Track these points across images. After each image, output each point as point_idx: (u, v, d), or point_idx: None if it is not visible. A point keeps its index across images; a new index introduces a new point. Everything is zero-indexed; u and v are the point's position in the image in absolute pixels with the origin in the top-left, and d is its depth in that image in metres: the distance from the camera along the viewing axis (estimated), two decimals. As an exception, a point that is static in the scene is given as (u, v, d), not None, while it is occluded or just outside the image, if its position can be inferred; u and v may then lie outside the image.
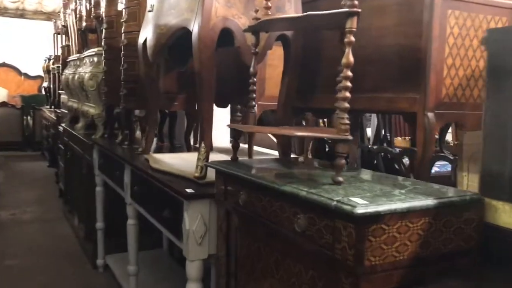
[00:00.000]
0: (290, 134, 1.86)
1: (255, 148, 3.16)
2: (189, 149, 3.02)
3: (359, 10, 1.36)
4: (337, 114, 1.39)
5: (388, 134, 3.01)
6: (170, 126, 3.22)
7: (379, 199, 1.16)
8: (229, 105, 2.87)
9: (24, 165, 8.40)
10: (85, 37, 4.64)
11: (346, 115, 1.38)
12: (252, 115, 1.83)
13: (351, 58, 1.38)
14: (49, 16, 12.92)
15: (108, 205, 3.51)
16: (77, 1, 4.71)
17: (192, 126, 3.01)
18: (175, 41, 2.17)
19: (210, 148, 1.99)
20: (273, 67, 2.74)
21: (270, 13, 1.79)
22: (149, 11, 2.43)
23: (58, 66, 6.84)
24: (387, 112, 2.49)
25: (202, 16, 1.86)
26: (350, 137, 1.36)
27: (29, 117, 10.04)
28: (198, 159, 1.97)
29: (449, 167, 2.31)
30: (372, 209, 1.09)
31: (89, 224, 3.87)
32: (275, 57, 2.49)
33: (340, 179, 1.36)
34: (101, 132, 3.63)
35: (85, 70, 3.75)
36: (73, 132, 4.28)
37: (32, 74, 12.79)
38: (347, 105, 1.39)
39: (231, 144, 1.87)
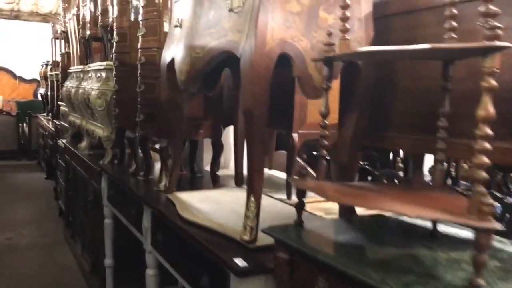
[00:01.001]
0: (410, 214, 1.32)
1: (273, 172, 2.77)
2: (214, 181, 2.62)
3: (508, 45, 0.97)
4: (474, 189, 0.99)
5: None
6: (190, 153, 2.82)
7: None
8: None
9: (20, 177, 7.96)
10: (89, 46, 4.23)
11: (485, 191, 0.99)
12: (323, 167, 1.43)
13: (492, 110, 0.98)
14: (45, 17, 12.53)
15: (118, 235, 3.11)
16: (80, 6, 4.29)
17: (219, 156, 2.61)
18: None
19: (259, 202, 1.59)
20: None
21: (347, 36, 1.39)
22: (176, 26, 2.03)
23: (57, 74, 6.41)
24: None
25: (255, 38, 1.46)
26: (498, 226, 0.96)
27: (24, 125, 9.61)
28: (247, 217, 1.57)
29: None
30: None
31: (95, 256, 3.47)
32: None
33: (481, 282, 0.96)
34: (110, 157, 3.22)
35: (92, 86, 3.34)
36: (76, 152, 3.87)
37: (27, 77, 12.44)
38: (485, 175, 0.99)
39: (294, 204, 1.46)
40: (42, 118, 8.31)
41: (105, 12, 3.41)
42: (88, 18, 4.08)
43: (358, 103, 1.65)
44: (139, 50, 2.49)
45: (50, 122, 7.36)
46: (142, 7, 2.44)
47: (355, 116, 1.66)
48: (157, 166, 2.67)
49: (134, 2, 2.70)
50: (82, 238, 4.07)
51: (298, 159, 2.72)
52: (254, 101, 1.50)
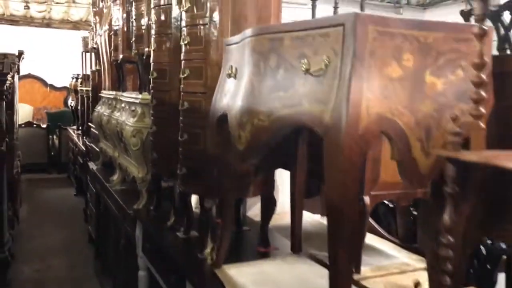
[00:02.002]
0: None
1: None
2: (265, 242, 2.26)
3: None
4: None
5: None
6: (236, 206, 2.47)
7: None
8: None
9: (49, 193, 7.78)
10: (122, 70, 3.93)
11: None
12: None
13: None
14: (76, 25, 12.47)
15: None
16: (112, 26, 4.00)
17: (271, 214, 2.25)
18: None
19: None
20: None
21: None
22: (230, 76, 1.68)
23: (88, 90, 6.17)
24: None
25: (346, 115, 1.11)
26: None
27: (55, 137, 9.45)
28: None
29: None
30: None
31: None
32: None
33: None
34: (144, 200, 2.90)
35: (126, 121, 3.03)
36: (108, 187, 3.57)
37: (58, 85, 12.36)
38: None
39: None
40: (72, 132, 8.12)
41: (139, 38, 3.09)
42: (120, 41, 3.78)
43: (472, 193, 1.27)
44: (181, 93, 2.15)
45: (80, 138, 7.16)
46: (185, 44, 2.10)
47: (468, 206, 1.28)
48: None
49: (174, 35, 2.37)
50: (113, 278, 3.77)
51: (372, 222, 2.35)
52: (344, 194, 1.15)
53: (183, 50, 2.15)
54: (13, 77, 4.88)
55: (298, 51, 1.29)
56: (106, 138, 3.91)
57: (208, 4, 2.01)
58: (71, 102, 8.95)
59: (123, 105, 3.34)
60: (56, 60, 11.70)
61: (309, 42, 1.26)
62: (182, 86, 2.15)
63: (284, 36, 1.34)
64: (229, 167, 1.85)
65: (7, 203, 4.51)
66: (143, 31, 3.03)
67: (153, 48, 2.53)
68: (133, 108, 3.03)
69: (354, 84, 1.12)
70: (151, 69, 2.58)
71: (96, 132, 4.57)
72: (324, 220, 2.60)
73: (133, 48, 3.18)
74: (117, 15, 3.88)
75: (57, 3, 10.77)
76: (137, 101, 2.94)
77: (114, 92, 3.72)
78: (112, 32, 3.98)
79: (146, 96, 2.86)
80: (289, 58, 1.33)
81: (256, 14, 2.03)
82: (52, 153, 9.47)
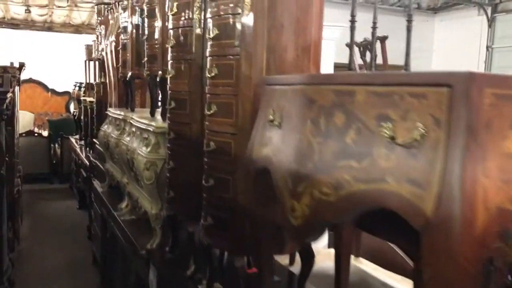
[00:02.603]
0: None
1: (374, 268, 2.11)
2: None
3: None
4: None
5: None
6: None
7: None
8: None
9: (51, 205, 7.49)
10: (131, 88, 3.65)
11: None
12: None
13: None
14: (77, 28, 12.26)
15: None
16: (120, 39, 3.72)
17: (310, 269, 1.96)
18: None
19: None
20: None
21: None
22: (272, 122, 1.40)
23: (91, 102, 5.88)
24: None
25: (460, 207, 0.82)
26: None
27: (56, 145, 9.16)
28: None
29: None
30: None
31: None
32: None
33: None
34: (158, 239, 2.61)
35: (138, 150, 2.74)
36: (116, 216, 3.29)
37: (59, 90, 12.13)
38: None
39: None
40: (75, 142, 7.83)
41: (152, 58, 2.81)
42: (129, 56, 3.50)
43: None
44: (206, 131, 1.87)
45: (82, 150, 6.87)
46: (211, 77, 1.82)
47: None
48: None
49: (195, 62, 2.09)
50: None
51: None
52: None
53: (208, 82, 1.86)
54: (13, 90, 4.59)
55: (377, 111, 1.01)
56: (114, 161, 3.63)
57: (239, 31, 1.73)
58: (73, 111, 8.66)
59: (133, 129, 3.05)
60: (57, 64, 11.50)
61: (394, 101, 0.97)
62: (207, 123, 1.87)
63: (356, 89, 1.05)
64: (267, 224, 1.57)
65: (7, 223, 4.24)
66: (157, 50, 2.74)
67: (170, 74, 2.24)
68: (145, 135, 2.75)
69: (468, 169, 0.83)
70: (168, 97, 2.29)
71: (101, 149, 4.28)
72: (357, 262, 2.31)
73: (145, 68, 2.89)
74: (125, 28, 3.59)
75: (58, 6, 10.50)
76: (151, 129, 2.65)
77: (123, 113, 3.42)
78: (120, 47, 3.69)
79: (161, 124, 2.58)
80: (363, 118, 1.04)
81: (295, 43, 1.75)
82: (54, 162, 9.18)
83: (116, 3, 4.16)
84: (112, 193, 3.89)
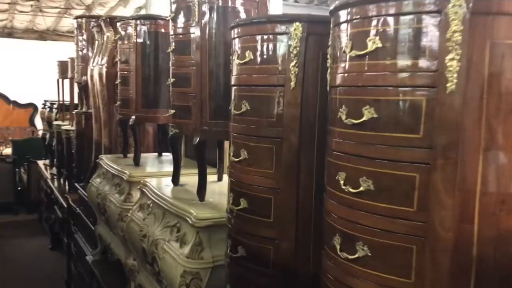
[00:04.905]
0: None
1: None
2: None
3: None
4: None
5: None
6: None
7: None
8: None
9: (18, 245, 6.43)
10: (134, 134, 2.78)
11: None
12: None
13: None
14: (42, 34, 11.24)
15: None
16: (120, 70, 2.85)
17: None
18: None
19: None
20: None
21: None
22: None
23: (69, 131, 4.92)
24: None
25: None
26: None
27: (22, 170, 8.09)
28: None
29: None
30: None
31: None
32: None
33: None
34: None
35: (166, 244, 1.89)
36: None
37: (22, 101, 11.11)
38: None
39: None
40: (44, 169, 6.82)
41: (185, 111, 1.96)
42: (133, 94, 2.64)
43: None
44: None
45: (55, 181, 5.90)
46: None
47: None
48: None
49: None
50: None
51: None
52: None
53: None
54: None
55: None
56: (113, 231, 2.75)
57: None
58: (42, 132, 7.64)
59: (149, 202, 2.20)
60: (19, 74, 10.50)
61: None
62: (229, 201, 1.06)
63: None
64: None
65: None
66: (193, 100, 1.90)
67: (235, 158, 1.40)
68: (175, 223, 1.90)
69: None
70: (229, 190, 1.46)
71: (90, 205, 3.37)
72: None
73: (171, 123, 2.04)
74: (126, 56, 2.73)
75: (20, 11, 9.43)
76: (189, 220, 1.79)
77: (127, 172, 2.56)
78: (119, 80, 2.82)
79: (204, 214, 1.74)
80: None
81: None
82: (20, 188, 8.12)
83: (108, 20, 3.29)
84: (108, 268, 3.00)
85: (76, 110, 4.47)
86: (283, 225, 1.31)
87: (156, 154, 3.20)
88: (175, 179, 2.22)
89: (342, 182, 1.04)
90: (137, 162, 2.74)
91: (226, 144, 2.00)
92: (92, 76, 3.83)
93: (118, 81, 2.81)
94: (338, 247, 1.04)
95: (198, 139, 1.86)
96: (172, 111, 1.99)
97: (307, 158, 1.30)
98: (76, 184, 4.15)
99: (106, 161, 2.96)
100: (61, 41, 11.30)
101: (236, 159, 1.40)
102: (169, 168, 2.50)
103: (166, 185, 2.22)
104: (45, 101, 7.17)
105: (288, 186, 1.32)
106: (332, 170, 1.09)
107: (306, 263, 1.30)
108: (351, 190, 1.02)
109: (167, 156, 3.12)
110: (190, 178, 2.33)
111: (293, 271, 1.30)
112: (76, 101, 5.10)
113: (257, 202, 1.35)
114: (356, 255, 1.00)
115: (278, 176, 1.32)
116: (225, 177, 2.44)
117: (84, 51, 4.22)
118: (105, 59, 3.35)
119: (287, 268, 1.29)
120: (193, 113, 1.89)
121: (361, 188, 0.99)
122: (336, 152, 1.08)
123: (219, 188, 2.25)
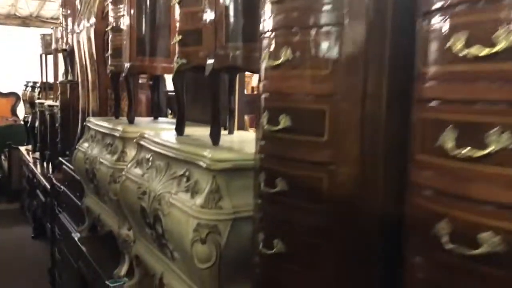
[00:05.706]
0: None
1: None
2: None
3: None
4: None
5: None
6: None
7: None
8: None
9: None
10: (128, 85, 2.42)
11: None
12: None
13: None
14: (24, 20, 10.81)
15: None
16: (111, 17, 2.48)
17: None
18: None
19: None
20: None
21: None
22: None
23: (52, 106, 4.53)
24: None
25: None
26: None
27: (3, 157, 7.65)
28: None
29: None
30: None
31: None
32: None
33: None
34: None
35: (172, 198, 1.53)
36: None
37: (3, 90, 10.65)
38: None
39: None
40: (26, 154, 6.41)
41: (195, 36, 1.61)
42: (127, 42, 2.28)
43: None
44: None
45: (38, 165, 5.50)
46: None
47: None
48: None
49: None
50: None
51: None
52: None
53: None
54: None
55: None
56: (97, 193, 2.39)
57: None
58: (24, 116, 7.21)
59: (148, 156, 1.83)
60: (1, 62, 10.02)
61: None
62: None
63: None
64: None
65: None
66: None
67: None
68: (182, 170, 1.54)
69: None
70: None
71: (77, 175, 2.99)
72: None
73: (177, 51, 1.68)
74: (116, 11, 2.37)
75: (2, -5, 9.03)
76: (203, 164, 1.44)
77: (111, 125, 2.20)
78: (110, 27, 2.45)
79: (222, 155, 1.40)
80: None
81: None
82: (0, 177, 7.69)
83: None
84: (98, 244, 2.64)
85: (60, 79, 4.08)
86: (341, 145, 0.96)
87: (152, 118, 2.84)
88: (180, 128, 1.86)
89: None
90: (131, 120, 2.38)
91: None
92: (78, 42, 3.46)
93: (109, 27, 2.44)
94: (451, 144, 0.70)
95: (211, 68, 1.50)
96: (179, 37, 1.63)
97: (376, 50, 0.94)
98: (60, 159, 3.76)
99: (95, 121, 2.58)
100: (45, 28, 10.84)
101: (275, 63, 1.04)
102: (168, 127, 2.17)
103: (168, 136, 1.87)
104: (27, 81, 6.74)
105: (349, 91, 0.97)
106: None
107: (374, 194, 0.96)
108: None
109: (163, 120, 2.78)
110: (195, 129, 1.98)
111: (355, 206, 0.96)
112: (61, 78, 4.73)
113: (304, 116, 1.01)
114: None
115: (336, 78, 0.96)
116: (236, 132, 2.10)
117: (69, 21, 3.85)
118: (92, 17, 2.98)
119: (347, 202, 0.95)
120: (204, 38, 1.54)
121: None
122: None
123: (232, 139, 1.91)
